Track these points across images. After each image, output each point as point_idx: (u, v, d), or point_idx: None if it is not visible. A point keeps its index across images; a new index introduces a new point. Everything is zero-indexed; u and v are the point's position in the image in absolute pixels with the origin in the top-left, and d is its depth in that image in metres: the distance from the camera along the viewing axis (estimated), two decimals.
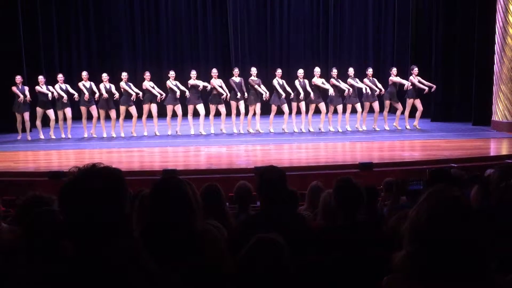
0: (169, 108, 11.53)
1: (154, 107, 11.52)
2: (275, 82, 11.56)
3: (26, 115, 11.18)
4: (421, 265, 1.53)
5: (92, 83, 11.45)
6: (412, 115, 11.83)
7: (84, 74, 11.53)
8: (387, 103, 11.76)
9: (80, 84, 11.41)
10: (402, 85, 11.47)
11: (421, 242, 1.53)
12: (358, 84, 11.64)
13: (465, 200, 1.60)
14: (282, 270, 1.76)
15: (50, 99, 11.10)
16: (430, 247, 1.51)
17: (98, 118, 11.52)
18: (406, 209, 3.23)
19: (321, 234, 3.05)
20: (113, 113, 11.45)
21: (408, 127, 11.80)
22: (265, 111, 12.22)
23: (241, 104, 11.55)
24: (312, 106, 11.54)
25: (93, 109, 11.47)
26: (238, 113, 11.69)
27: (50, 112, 11.28)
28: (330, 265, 2.62)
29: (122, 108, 11.50)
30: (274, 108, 11.62)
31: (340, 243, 2.85)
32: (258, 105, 11.54)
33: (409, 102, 11.60)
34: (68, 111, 11.36)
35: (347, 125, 11.77)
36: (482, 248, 1.52)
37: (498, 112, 11.32)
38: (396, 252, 1.63)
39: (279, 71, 11.68)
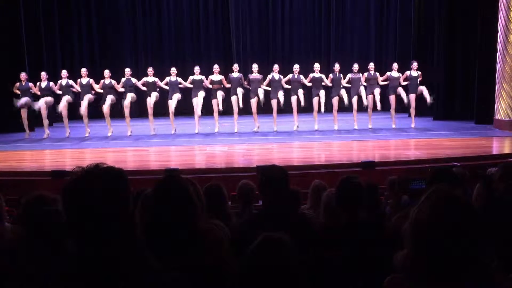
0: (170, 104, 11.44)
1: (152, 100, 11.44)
2: (270, 76, 11.58)
3: (24, 113, 11.19)
4: (422, 265, 1.53)
5: (91, 80, 11.39)
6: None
7: (83, 70, 11.53)
8: (392, 98, 11.76)
9: (79, 81, 11.40)
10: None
11: (422, 242, 1.53)
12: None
13: (467, 200, 1.60)
14: (289, 269, 1.76)
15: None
16: (431, 246, 1.51)
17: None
18: (408, 208, 3.24)
19: (323, 233, 3.05)
20: (105, 109, 11.34)
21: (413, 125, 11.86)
22: (266, 110, 12.22)
23: (237, 100, 11.51)
24: (315, 100, 11.53)
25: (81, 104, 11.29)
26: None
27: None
28: (332, 264, 2.62)
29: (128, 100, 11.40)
30: (274, 103, 11.56)
31: (342, 242, 2.85)
32: (254, 100, 11.51)
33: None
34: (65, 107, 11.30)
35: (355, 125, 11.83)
36: (483, 247, 1.52)
37: (501, 111, 11.30)
38: (397, 252, 1.64)
39: (276, 66, 11.67)
